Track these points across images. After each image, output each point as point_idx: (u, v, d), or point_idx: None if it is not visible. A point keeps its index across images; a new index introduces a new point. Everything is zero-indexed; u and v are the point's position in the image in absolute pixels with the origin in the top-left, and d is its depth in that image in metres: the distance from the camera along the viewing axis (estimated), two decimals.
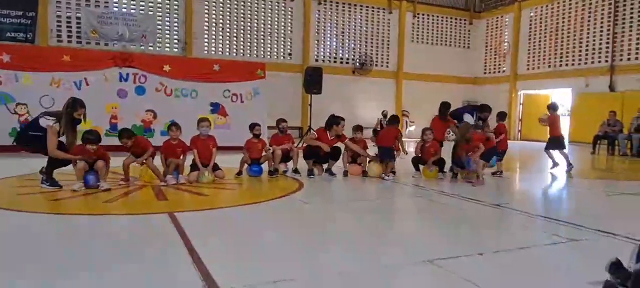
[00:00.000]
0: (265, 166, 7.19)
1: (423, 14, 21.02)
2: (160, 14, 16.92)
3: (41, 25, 15.12)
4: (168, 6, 16.97)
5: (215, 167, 6.55)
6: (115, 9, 16.25)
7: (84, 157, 5.52)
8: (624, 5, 16.30)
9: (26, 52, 11.01)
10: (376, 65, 20.19)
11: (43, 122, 5.56)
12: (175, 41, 17.17)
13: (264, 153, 7.17)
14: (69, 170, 5.68)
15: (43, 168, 5.74)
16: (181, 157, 6.45)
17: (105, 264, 2.97)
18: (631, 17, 16.10)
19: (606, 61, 16.73)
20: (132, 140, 6.18)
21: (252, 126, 7.30)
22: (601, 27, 16.99)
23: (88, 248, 3.33)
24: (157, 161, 6.36)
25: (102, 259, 3.08)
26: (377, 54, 20.32)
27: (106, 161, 5.71)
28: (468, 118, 7.60)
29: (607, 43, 16.72)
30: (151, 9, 16.74)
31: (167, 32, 17.13)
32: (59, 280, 2.68)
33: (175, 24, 17.14)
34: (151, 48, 16.65)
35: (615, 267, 2.56)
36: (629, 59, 16.15)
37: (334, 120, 7.33)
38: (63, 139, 5.72)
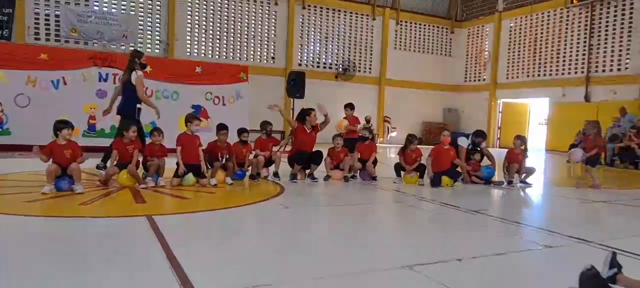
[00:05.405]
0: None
1: (406, 22, 21.26)
2: (142, 14, 16.71)
3: (18, 23, 14.77)
4: (150, 6, 16.77)
5: (202, 174, 6.42)
6: (96, 8, 15.99)
7: (54, 158, 5.38)
8: (600, 19, 16.77)
9: (1, 50, 10.72)
10: (359, 70, 20.31)
11: None
12: (157, 42, 16.97)
13: (250, 157, 7.18)
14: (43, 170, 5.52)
15: None
16: (162, 160, 6.34)
17: (78, 269, 2.89)
18: (606, 31, 16.57)
19: (582, 72, 17.18)
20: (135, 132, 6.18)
21: (241, 131, 7.26)
22: (578, 39, 17.44)
23: (60, 253, 3.24)
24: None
25: (74, 264, 3.01)
26: (360, 60, 20.45)
27: (77, 153, 5.55)
28: (462, 141, 7.77)
29: (583, 55, 17.17)
30: (133, 8, 16.52)
31: (149, 32, 16.92)
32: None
33: (157, 25, 16.94)
34: (132, 48, 16.40)
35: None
36: (603, 71, 16.62)
37: (306, 112, 7.44)
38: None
